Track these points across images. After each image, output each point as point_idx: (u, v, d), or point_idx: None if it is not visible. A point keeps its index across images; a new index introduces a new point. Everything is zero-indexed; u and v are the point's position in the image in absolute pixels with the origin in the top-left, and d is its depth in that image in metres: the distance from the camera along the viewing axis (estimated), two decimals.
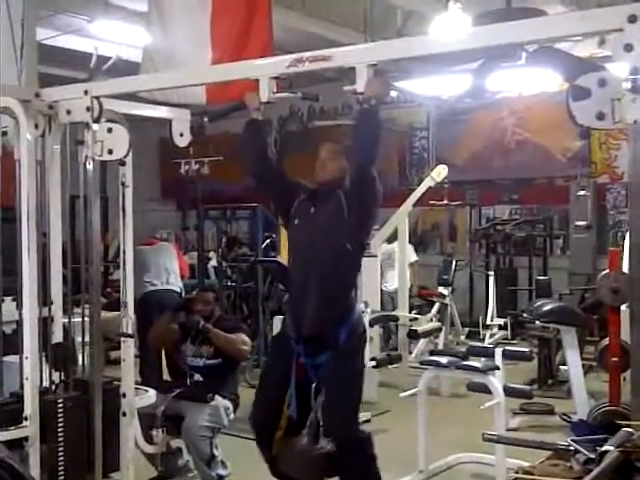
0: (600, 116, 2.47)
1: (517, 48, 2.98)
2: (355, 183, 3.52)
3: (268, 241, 9.12)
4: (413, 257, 9.45)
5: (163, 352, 6.88)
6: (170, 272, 7.26)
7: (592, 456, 1.97)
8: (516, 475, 1.96)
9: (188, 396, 4.70)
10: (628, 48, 2.40)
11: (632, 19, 2.41)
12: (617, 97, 2.42)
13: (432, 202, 9.88)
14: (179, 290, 7.32)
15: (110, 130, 3.69)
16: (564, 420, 5.68)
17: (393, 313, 7.85)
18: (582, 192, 9.49)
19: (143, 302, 6.92)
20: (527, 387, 5.68)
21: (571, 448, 2.07)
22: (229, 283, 9.25)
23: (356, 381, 3.69)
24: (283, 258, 7.46)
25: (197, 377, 4.83)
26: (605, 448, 1.95)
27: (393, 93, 9.90)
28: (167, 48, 5.14)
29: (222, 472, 4.61)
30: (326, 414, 3.54)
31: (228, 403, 4.75)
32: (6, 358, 4.11)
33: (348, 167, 3.62)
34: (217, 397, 4.69)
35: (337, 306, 3.60)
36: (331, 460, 3.58)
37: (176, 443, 4.89)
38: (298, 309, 3.66)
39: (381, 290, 8.19)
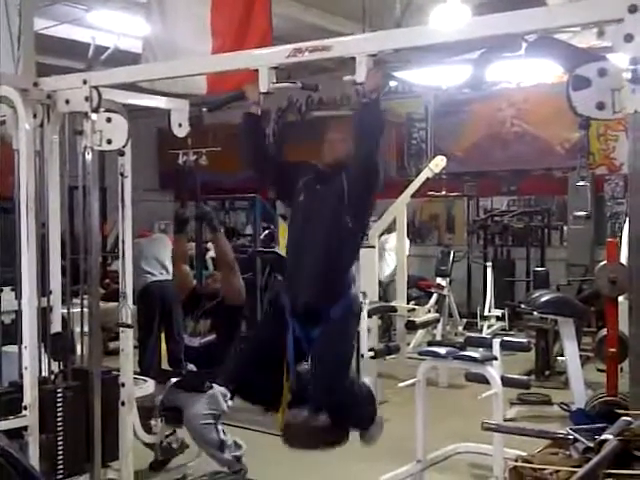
0: (600, 106, 2.47)
1: (517, 38, 2.97)
2: (358, 171, 3.53)
3: (266, 232, 9.12)
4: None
5: (163, 340, 6.91)
6: (168, 262, 7.26)
7: (591, 445, 1.98)
8: (515, 464, 1.97)
9: (186, 386, 4.72)
10: (628, 38, 2.40)
11: (632, 9, 2.40)
12: (617, 87, 2.42)
13: (430, 193, 9.88)
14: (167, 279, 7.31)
15: (109, 120, 3.68)
16: (563, 409, 5.70)
17: (391, 304, 7.85)
18: (582, 182, 9.49)
19: (144, 293, 6.93)
20: (525, 377, 5.70)
21: (570, 437, 2.07)
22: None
23: (345, 353, 3.70)
24: (281, 249, 7.46)
25: (191, 367, 4.84)
26: (604, 437, 1.95)
27: (392, 83, 9.88)
28: (167, 38, 5.13)
29: (237, 452, 4.65)
30: (316, 385, 3.54)
31: (225, 389, 4.76)
32: (5, 348, 4.12)
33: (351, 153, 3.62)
34: (213, 385, 4.70)
35: (334, 281, 3.59)
36: (334, 429, 3.61)
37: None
38: (294, 279, 3.65)
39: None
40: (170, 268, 7.23)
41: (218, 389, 4.70)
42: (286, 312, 3.63)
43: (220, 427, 4.63)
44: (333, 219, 3.55)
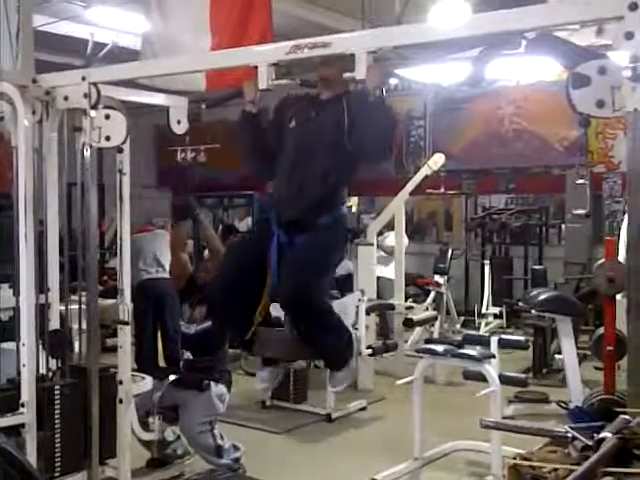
0: (600, 104, 2.47)
1: (517, 36, 2.96)
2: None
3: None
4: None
5: (159, 335, 6.89)
6: (165, 259, 7.24)
7: (590, 443, 1.98)
8: (514, 461, 1.97)
9: (184, 384, 4.72)
10: (629, 36, 2.39)
11: (633, 7, 2.40)
12: (617, 85, 2.42)
13: (429, 191, 9.88)
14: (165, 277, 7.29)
15: (108, 117, 3.68)
16: (561, 407, 5.70)
17: (389, 301, 7.85)
18: (581, 180, 9.49)
19: (139, 290, 6.92)
20: (522, 375, 5.70)
21: (569, 435, 2.07)
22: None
23: (322, 253, 3.59)
24: None
25: (187, 355, 4.84)
26: (603, 435, 1.95)
27: (393, 81, 9.86)
28: (166, 35, 5.12)
29: (235, 455, 4.66)
30: (282, 273, 3.49)
31: (222, 389, 4.75)
32: (3, 345, 4.12)
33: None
34: (211, 384, 4.70)
35: (323, 195, 3.53)
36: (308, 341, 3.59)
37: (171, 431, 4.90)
38: (284, 195, 3.58)
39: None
40: (167, 266, 7.23)
41: (215, 390, 4.70)
42: (272, 224, 3.57)
43: (217, 432, 4.63)
44: (328, 138, 3.49)
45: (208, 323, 4.78)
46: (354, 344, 3.84)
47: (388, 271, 8.53)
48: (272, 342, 3.65)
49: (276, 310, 3.66)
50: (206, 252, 5.98)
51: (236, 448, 4.69)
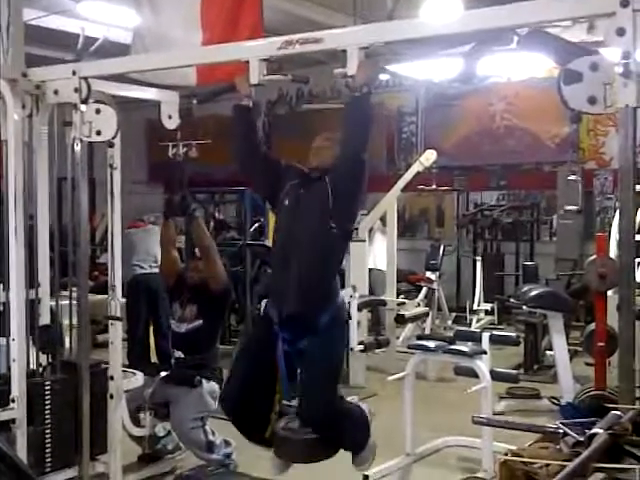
0: (592, 100, 2.47)
1: (509, 32, 2.96)
2: (345, 167, 3.50)
3: (256, 225, 9.09)
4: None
5: (151, 332, 6.87)
6: (158, 255, 7.22)
7: (581, 439, 1.98)
8: (505, 457, 1.97)
9: (175, 380, 4.70)
10: (620, 32, 2.40)
11: (624, 3, 2.40)
12: (609, 81, 2.42)
13: (420, 187, 9.88)
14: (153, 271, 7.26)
15: (98, 111, 3.66)
16: (553, 403, 5.72)
17: (381, 297, 7.86)
18: (573, 177, 9.51)
19: (132, 285, 6.90)
20: (513, 371, 5.71)
21: (560, 431, 2.08)
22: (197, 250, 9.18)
23: (335, 365, 3.69)
24: (270, 242, 7.44)
25: (178, 354, 4.83)
26: (594, 431, 1.96)
27: (384, 76, 9.85)
28: (157, 29, 5.10)
29: (227, 450, 4.63)
30: (304, 397, 3.55)
31: (214, 385, 4.74)
32: None
33: (338, 152, 3.61)
34: (202, 381, 4.68)
35: (319, 288, 3.56)
36: (322, 444, 3.60)
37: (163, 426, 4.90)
38: (280, 289, 3.62)
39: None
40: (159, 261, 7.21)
41: (207, 387, 4.69)
42: (274, 324, 3.60)
43: (208, 428, 4.61)
44: (317, 225, 3.51)
45: (199, 322, 4.77)
46: (369, 420, 3.85)
47: (380, 262, 8.54)
48: (292, 447, 3.65)
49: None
50: (197, 250, 5.97)
51: (227, 443, 4.67)
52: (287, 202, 3.64)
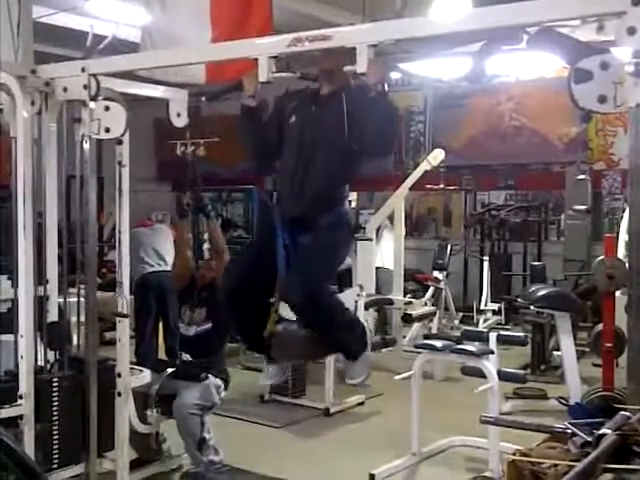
0: (602, 99, 2.45)
1: (518, 30, 2.95)
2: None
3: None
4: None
5: (161, 328, 6.87)
6: (167, 253, 7.23)
7: (589, 439, 1.97)
8: (513, 457, 1.96)
9: (181, 375, 4.71)
10: (631, 31, 2.38)
11: (636, 2, 2.38)
12: (619, 81, 2.41)
13: (428, 186, 9.87)
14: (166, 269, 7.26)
15: (107, 108, 3.66)
16: (561, 403, 5.69)
17: (388, 296, 7.85)
18: (582, 176, 9.49)
19: (142, 283, 6.91)
20: (521, 372, 5.70)
21: (568, 431, 2.07)
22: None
23: (328, 252, 3.60)
24: None
25: (186, 357, 4.84)
26: (602, 431, 1.95)
27: (396, 75, 9.82)
28: (167, 27, 5.11)
29: (214, 457, 4.56)
30: (289, 275, 3.48)
31: (219, 381, 4.75)
32: (1, 337, 4.11)
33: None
34: (209, 376, 4.69)
35: (327, 193, 3.53)
36: (319, 343, 3.60)
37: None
38: (288, 194, 3.57)
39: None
40: (168, 259, 7.21)
41: (213, 380, 4.69)
42: (276, 224, 3.56)
43: (207, 424, 4.59)
44: (332, 138, 3.47)
45: (208, 325, 4.77)
46: (367, 335, 3.84)
47: (387, 260, 8.53)
48: (290, 343, 3.63)
49: (286, 310, 3.66)
50: (205, 249, 5.98)
51: (217, 452, 4.62)
52: (294, 119, 3.57)
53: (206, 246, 8.78)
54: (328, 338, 3.65)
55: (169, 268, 7.11)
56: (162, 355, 6.28)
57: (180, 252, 5.09)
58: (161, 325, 7.17)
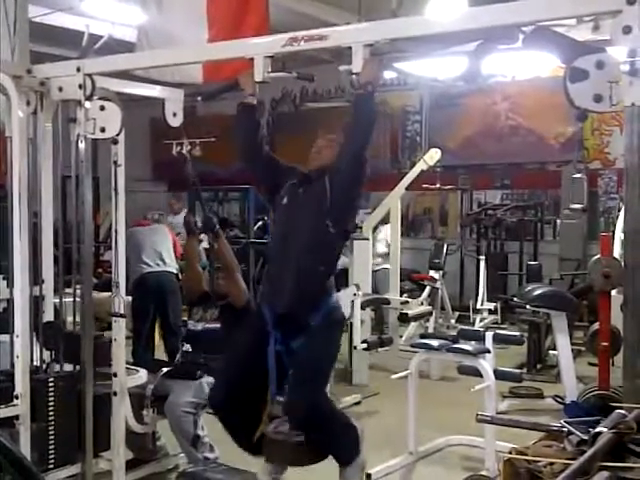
0: (597, 98, 2.46)
1: (514, 30, 2.95)
2: (345, 165, 3.49)
3: (260, 223, 9.10)
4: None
5: (157, 330, 6.86)
6: (166, 253, 7.21)
7: (585, 437, 1.98)
8: (510, 455, 1.97)
9: (177, 374, 4.71)
10: (626, 30, 2.39)
11: (631, 1, 2.39)
12: (615, 80, 2.41)
13: (425, 186, 9.88)
14: (175, 271, 7.26)
15: (103, 108, 3.66)
16: (557, 402, 5.71)
17: (384, 296, 7.85)
18: (578, 175, 9.51)
19: (140, 283, 6.88)
20: (517, 371, 5.70)
21: (564, 429, 2.07)
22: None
23: (324, 359, 3.65)
24: None
25: (187, 347, 4.84)
26: (598, 429, 1.95)
27: (392, 74, 9.82)
28: (163, 27, 5.10)
29: (209, 455, 4.55)
30: (290, 393, 3.52)
31: (212, 380, 4.74)
32: None
33: (339, 150, 3.61)
34: (204, 375, 4.68)
35: (313, 287, 3.56)
36: (313, 445, 3.59)
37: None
38: (274, 287, 3.63)
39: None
40: (167, 259, 7.20)
41: (207, 378, 4.69)
42: (267, 324, 3.59)
43: (200, 422, 4.58)
44: (313, 224, 3.52)
45: (217, 325, 4.77)
46: (361, 439, 3.81)
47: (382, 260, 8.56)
48: (281, 449, 3.63)
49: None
50: (203, 252, 5.98)
51: (212, 449, 4.61)
52: (285, 200, 3.65)
53: (203, 246, 8.79)
54: (323, 445, 3.67)
55: (168, 268, 7.11)
56: (159, 355, 6.27)
57: (191, 267, 5.09)
58: (158, 325, 7.16)
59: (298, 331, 3.53)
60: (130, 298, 5.91)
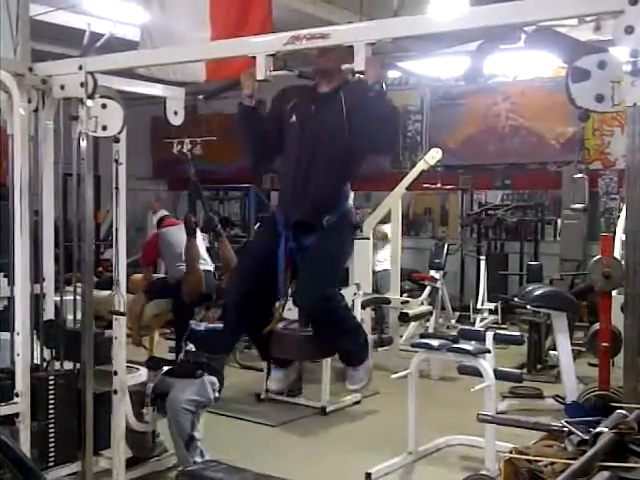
0: (599, 98, 2.46)
1: (516, 29, 2.95)
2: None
3: (260, 222, 9.09)
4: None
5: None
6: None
7: (586, 437, 1.97)
8: (510, 455, 1.96)
9: (178, 372, 4.71)
10: (629, 30, 2.38)
11: (633, 1, 2.39)
12: (617, 80, 2.41)
13: (425, 186, 9.88)
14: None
15: (104, 106, 3.65)
16: (558, 402, 5.71)
17: (385, 296, 7.86)
18: (579, 175, 9.51)
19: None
20: (517, 371, 5.71)
21: (565, 429, 2.07)
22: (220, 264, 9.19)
23: (336, 255, 3.62)
24: None
25: (190, 347, 4.84)
26: (599, 429, 1.94)
27: (394, 74, 9.82)
28: (166, 26, 5.09)
29: (198, 459, 4.49)
30: (300, 281, 3.50)
31: (214, 379, 4.74)
32: None
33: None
34: (204, 373, 4.68)
35: (331, 196, 3.53)
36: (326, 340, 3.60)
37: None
38: (290, 195, 3.58)
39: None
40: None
41: (208, 378, 4.69)
42: (279, 225, 3.56)
43: (197, 424, 4.57)
44: (336, 136, 3.44)
45: (219, 325, 4.77)
46: (369, 345, 3.83)
47: (387, 263, 8.54)
48: (289, 343, 3.62)
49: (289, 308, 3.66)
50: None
51: (202, 455, 4.57)
52: (294, 118, 3.54)
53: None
54: (334, 342, 3.65)
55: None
56: (158, 353, 6.26)
57: (192, 268, 5.09)
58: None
59: (313, 231, 3.51)
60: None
